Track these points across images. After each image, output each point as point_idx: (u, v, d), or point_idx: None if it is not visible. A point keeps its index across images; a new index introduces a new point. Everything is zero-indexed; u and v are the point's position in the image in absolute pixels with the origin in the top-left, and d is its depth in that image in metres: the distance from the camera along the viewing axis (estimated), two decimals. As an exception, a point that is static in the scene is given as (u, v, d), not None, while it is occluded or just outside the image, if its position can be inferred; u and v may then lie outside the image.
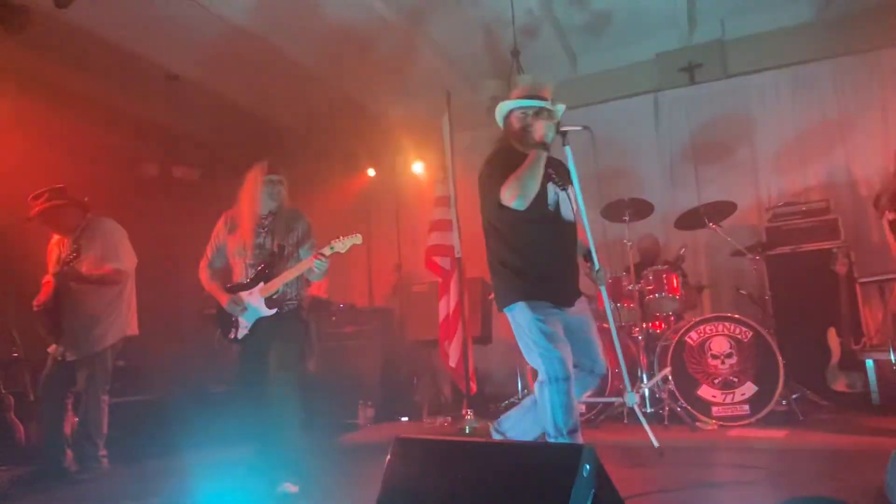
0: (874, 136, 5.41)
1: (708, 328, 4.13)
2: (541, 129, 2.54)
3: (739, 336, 4.05)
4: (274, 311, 3.08)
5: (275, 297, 3.10)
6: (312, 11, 5.04)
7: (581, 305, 2.64)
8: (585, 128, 2.66)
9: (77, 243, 3.68)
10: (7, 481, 3.51)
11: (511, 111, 2.70)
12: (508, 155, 2.63)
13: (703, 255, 5.87)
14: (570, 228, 2.65)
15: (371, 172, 7.17)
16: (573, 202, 2.68)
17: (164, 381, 6.42)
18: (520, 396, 5.15)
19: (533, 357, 2.46)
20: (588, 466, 1.57)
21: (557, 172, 2.71)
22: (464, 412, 4.70)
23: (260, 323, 3.11)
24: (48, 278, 3.71)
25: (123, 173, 6.55)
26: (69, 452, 3.61)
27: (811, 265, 4.82)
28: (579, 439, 2.38)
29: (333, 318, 5.82)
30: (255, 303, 3.09)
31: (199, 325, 6.67)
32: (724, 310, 5.37)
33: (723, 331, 4.10)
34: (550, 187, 2.62)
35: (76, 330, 3.64)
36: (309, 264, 3.00)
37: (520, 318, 2.50)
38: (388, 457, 1.92)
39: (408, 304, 6.10)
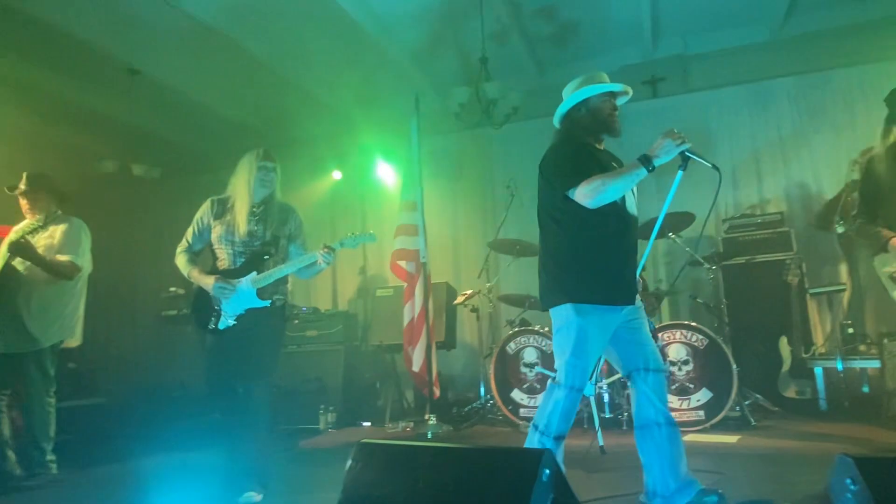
0: (826, 153, 5.64)
1: (666, 335, 4.23)
2: (658, 147, 2.37)
3: (696, 343, 4.16)
4: (267, 302, 2.97)
5: (267, 287, 3.00)
6: (280, 12, 4.99)
7: (639, 305, 2.58)
8: (714, 167, 2.45)
9: (42, 223, 3.68)
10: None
11: (589, 97, 2.60)
12: (577, 145, 2.55)
13: (663, 264, 6.02)
14: (633, 222, 2.59)
15: (337, 175, 7.13)
16: (636, 196, 2.61)
17: (118, 384, 6.25)
18: (482, 402, 5.18)
19: (561, 358, 2.44)
20: (547, 471, 1.59)
21: (618, 164, 2.62)
22: (426, 417, 4.70)
23: (246, 314, 2.97)
24: None
25: (80, 169, 6.36)
26: (11, 455, 3.48)
27: (765, 276, 4.99)
28: (561, 447, 2.39)
29: (296, 322, 5.75)
30: (246, 291, 2.96)
31: (156, 327, 6.53)
32: (681, 318, 5.53)
33: (680, 338, 4.21)
34: None
35: (11, 321, 3.51)
36: (315, 258, 2.96)
37: (564, 319, 2.45)
38: (350, 461, 1.91)
39: (372, 309, 6.08)
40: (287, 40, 5.41)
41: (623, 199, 2.52)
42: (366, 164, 6.88)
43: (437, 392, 4.88)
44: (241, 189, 3.05)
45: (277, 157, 3.15)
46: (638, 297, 2.56)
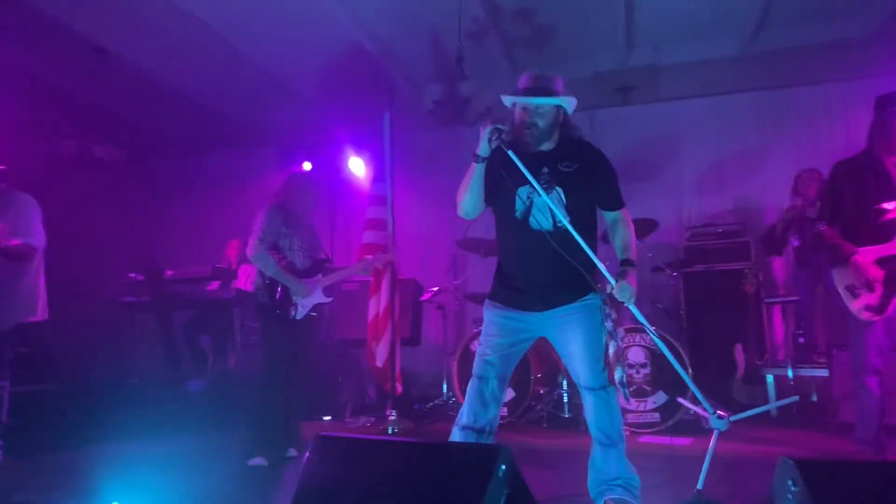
0: (786, 167, 5.79)
1: (626, 339, 4.32)
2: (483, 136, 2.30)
3: (654, 348, 4.25)
4: (330, 298, 3.74)
5: (328, 287, 3.72)
6: (255, -3, 4.91)
7: (574, 314, 2.44)
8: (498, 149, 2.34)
9: None
10: None
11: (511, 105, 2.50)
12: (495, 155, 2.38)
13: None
14: (536, 236, 2.39)
15: (307, 166, 7.05)
16: (553, 210, 2.36)
17: (72, 370, 6.07)
18: (444, 399, 5.20)
19: None
20: (503, 467, 1.61)
21: (553, 171, 2.43)
22: (388, 413, 4.70)
23: (314, 309, 3.67)
24: None
25: (39, 148, 6.16)
26: None
27: (723, 284, 5.13)
28: (469, 436, 2.38)
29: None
30: (315, 290, 3.65)
31: (114, 313, 6.35)
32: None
33: (640, 342, 4.30)
34: (522, 192, 2.40)
35: None
36: (364, 270, 4.17)
37: None
38: (308, 454, 1.90)
39: (337, 302, 6.03)
40: (260, 26, 5.31)
41: (526, 212, 2.41)
42: (337, 155, 6.83)
43: (399, 388, 4.88)
44: (309, 206, 3.74)
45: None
46: (581, 303, 2.46)
